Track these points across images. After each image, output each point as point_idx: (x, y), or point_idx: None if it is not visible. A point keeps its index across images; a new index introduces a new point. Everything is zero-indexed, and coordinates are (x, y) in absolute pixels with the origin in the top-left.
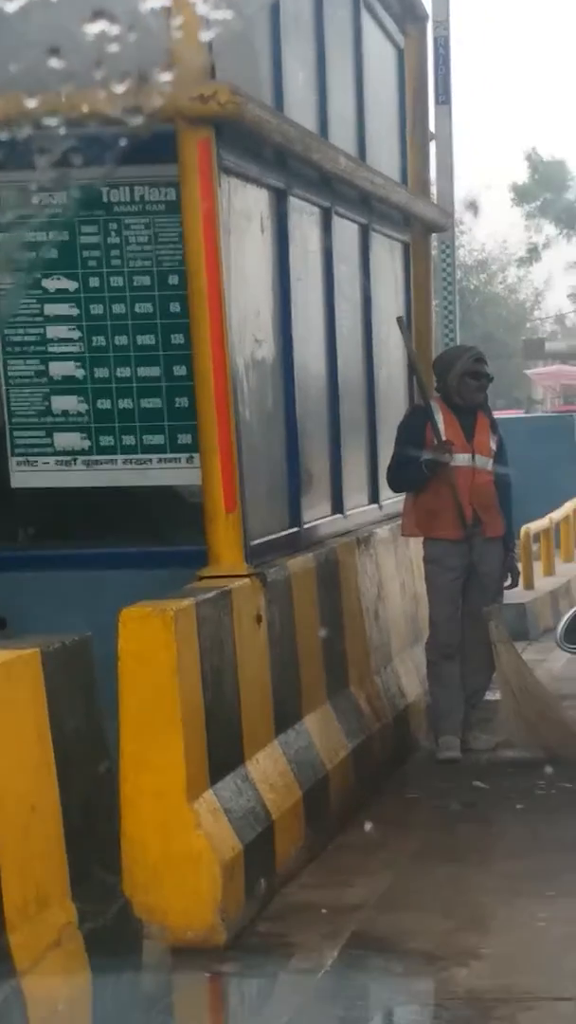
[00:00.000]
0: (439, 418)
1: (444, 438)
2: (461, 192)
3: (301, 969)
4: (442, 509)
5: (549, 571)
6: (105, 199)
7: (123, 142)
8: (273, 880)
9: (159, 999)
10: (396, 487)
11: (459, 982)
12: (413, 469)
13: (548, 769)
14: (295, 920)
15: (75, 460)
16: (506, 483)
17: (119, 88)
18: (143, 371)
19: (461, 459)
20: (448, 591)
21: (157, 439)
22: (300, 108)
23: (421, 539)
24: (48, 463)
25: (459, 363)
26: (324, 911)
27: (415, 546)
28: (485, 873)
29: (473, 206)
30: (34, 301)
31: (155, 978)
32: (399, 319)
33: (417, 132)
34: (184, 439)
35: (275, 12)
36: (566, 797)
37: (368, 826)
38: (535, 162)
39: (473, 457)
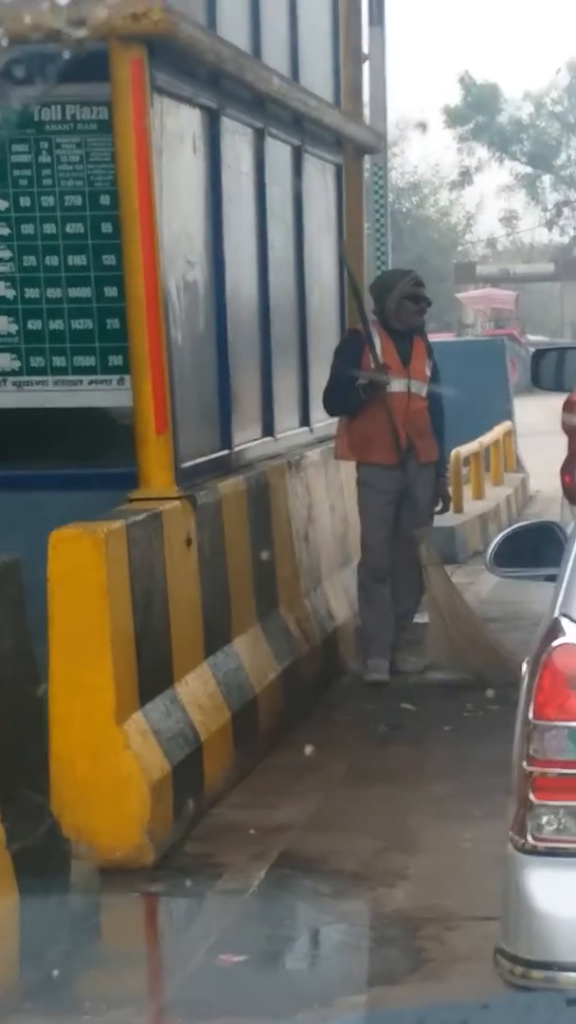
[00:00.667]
0: (377, 342)
1: (381, 362)
2: (394, 115)
3: (229, 889)
4: (377, 434)
5: (479, 494)
6: (36, 118)
7: (57, 60)
8: (201, 801)
9: (87, 918)
10: (332, 410)
11: (386, 902)
12: (350, 392)
13: (489, 692)
14: (223, 840)
15: (5, 381)
16: (439, 408)
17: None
18: (74, 292)
19: (397, 384)
20: (381, 514)
21: (88, 360)
22: (233, 27)
23: (353, 462)
24: None
25: (398, 287)
26: (252, 832)
27: (345, 469)
28: (413, 794)
29: (422, 125)
30: None
31: (83, 898)
32: (343, 242)
33: (350, 53)
34: (115, 361)
35: None
36: (493, 719)
37: (308, 749)
38: (468, 85)
39: (409, 383)
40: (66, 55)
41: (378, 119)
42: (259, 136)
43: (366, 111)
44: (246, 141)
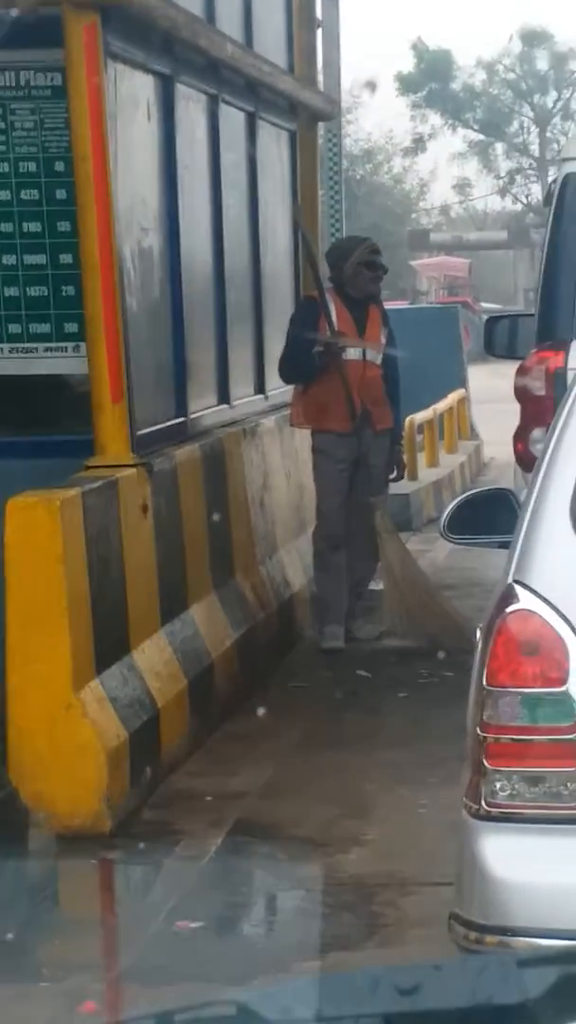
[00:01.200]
0: (332, 309)
1: (337, 329)
2: (347, 81)
3: (186, 856)
4: (332, 401)
5: (433, 462)
6: None
7: (7, 23)
8: (158, 768)
9: (45, 886)
10: (287, 378)
11: (343, 868)
12: (305, 360)
13: (440, 655)
14: (180, 808)
15: None
16: (395, 376)
17: None
18: (29, 259)
19: (352, 352)
20: (336, 482)
21: (43, 328)
22: None
23: (308, 430)
24: None
25: (354, 254)
26: (209, 799)
27: (300, 436)
28: (368, 761)
29: (371, 84)
30: None
31: (42, 865)
32: (297, 207)
33: (304, 19)
34: (71, 328)
35: None
36: (448, 685)
37: (261, 711)
38: (421, 52)
39: (364, 351)
40: (17, 18)
41: (332, 86)
42: (213, 102)
43: (320, 78)
44: (200, 107)
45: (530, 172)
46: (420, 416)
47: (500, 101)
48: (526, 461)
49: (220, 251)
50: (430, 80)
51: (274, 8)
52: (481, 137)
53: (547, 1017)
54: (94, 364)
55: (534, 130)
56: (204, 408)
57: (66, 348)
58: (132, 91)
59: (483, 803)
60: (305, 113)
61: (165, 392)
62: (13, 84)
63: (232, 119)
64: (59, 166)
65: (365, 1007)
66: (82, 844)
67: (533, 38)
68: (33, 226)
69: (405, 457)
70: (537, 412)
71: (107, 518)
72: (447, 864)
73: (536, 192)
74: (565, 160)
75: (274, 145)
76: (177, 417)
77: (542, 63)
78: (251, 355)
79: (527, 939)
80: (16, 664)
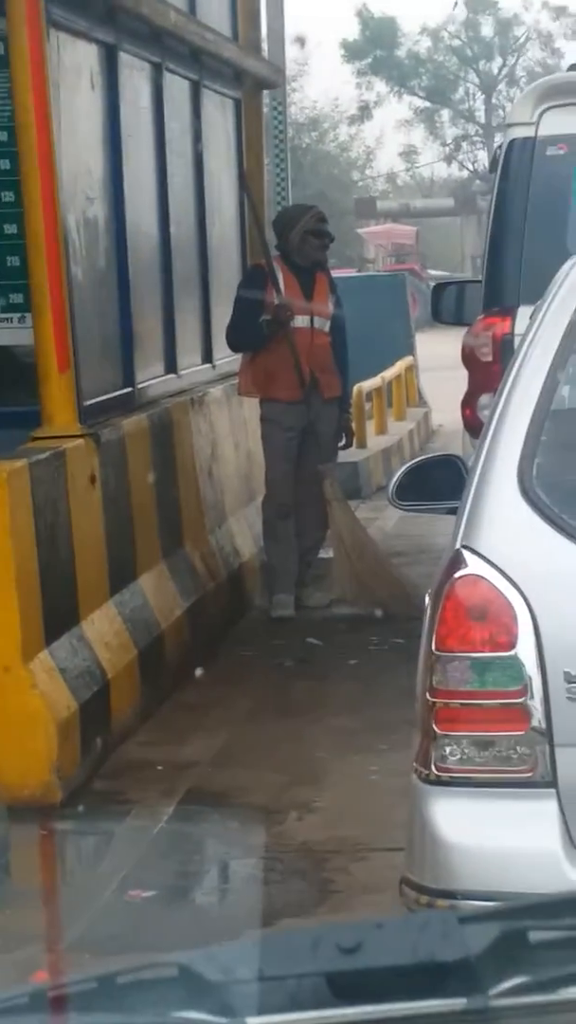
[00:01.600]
0: (280, 278)
1: (284, 297)
2: (292, 50)
3: (137, 825)
4: (280, 370)
5: (381, 429)
6: None
7: None
8: (109, 738)
9: None
10: (235, 346)
11: (294, 835)
12: (253, 328)
13: (378, 613)
14: (131, 777)
15: None
16: (343, 344)
17: None
18: None
19: (300, 321)
20: (285, 450)
21: None
22: None
23: (256, 399)
24: None
25: (301, 221)
26: (160, 768)
27: (248, 405)
28: (319, 728)
29: (300, 40)
30: None
31: None
32: (242, 174)
33: None
34: (16, 298)
35: None
36: (398, 652)
37: (199, 671)
38: (366, 19)
39: (312, 319)
40: None
41: (277, 53)
42: (157, 71)
43: (264, 46)
44: (144, 76)
45: (476, 139)
46: (368, 384)
47: (445, 68)
48: (474, 427)
49: (166, 220)
50: (375, 47)
51: None
52: (427, 104)
53: (489, 974)
54: (40, 334)
55: (480, 97)
56: (151, 378)
57: (11, 319)
58: (75, 60)
59: (433, 767)
60: (250, 81)
61: (112, 362)
62: None
63: (176, 88)
64: (2, 136)
65: (306, 966)
66: (32, 815)
67: (478, 4)
68: None
69: (354, 425)
70: (484, 378)
71: (55, 489)
72: (398, 830)
73: (482, 159)
74: (510, 126)
75: (219, 114)
76: (124, 387)
77: (487, 29)
78: (198, 324)
79: (477, 902)
80: None
